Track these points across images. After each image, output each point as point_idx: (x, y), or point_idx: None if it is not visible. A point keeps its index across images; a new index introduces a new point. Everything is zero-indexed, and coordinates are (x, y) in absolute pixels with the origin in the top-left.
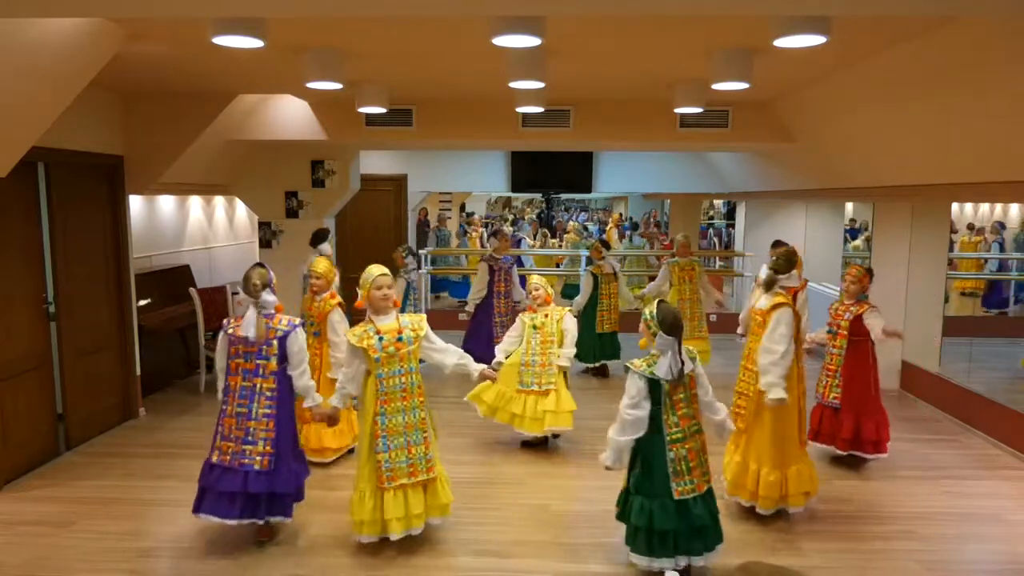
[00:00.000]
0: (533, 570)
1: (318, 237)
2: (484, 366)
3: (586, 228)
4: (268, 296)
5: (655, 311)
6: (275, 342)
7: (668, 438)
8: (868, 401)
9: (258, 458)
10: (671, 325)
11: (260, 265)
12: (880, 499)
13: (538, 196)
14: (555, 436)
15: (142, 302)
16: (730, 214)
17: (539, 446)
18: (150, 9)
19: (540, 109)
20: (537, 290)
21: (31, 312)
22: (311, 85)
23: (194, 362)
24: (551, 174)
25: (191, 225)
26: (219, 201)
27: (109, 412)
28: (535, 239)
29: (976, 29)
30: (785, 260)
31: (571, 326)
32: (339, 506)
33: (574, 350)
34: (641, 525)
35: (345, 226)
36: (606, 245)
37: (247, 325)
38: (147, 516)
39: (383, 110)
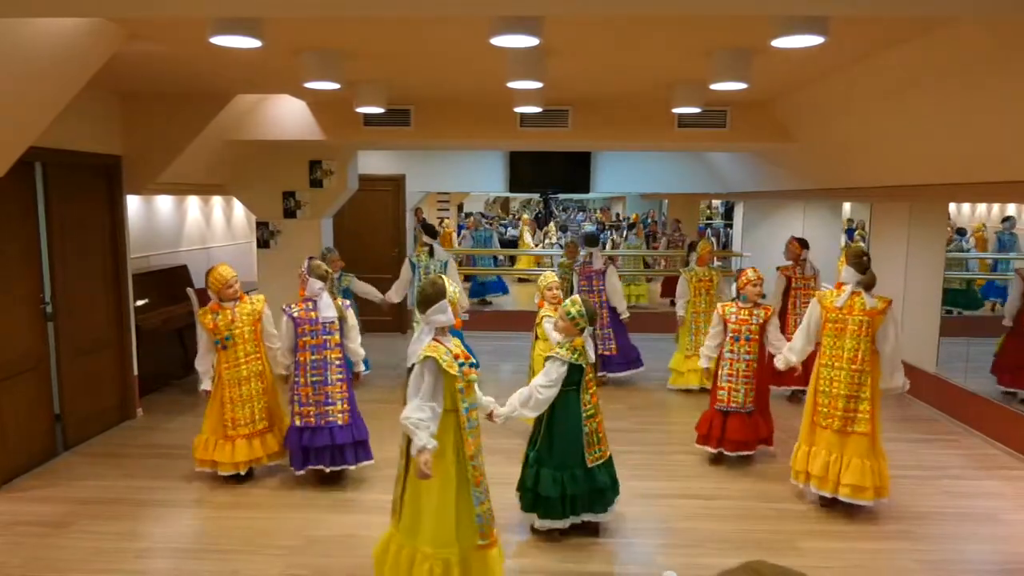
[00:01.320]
0: (531, 570)
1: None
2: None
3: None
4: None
5: (582, 310)
6: (339, 319)
7: (584, 415)
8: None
9: (340, 415)
10: (591, 318)
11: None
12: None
13: (536, 196)
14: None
15: (140, 302)
16: (728, 214)
17: None
18: (149, 9)
19: (538, 109)
20: (558, 289)
21: (28, 312)
22: (309, 85)
23: (191, 362)
24: (549, 174)
25: (189, 225)
26: (217, 201)
27: (107, 412)
28: (533, 238)
29: (973, 30)
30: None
31: (547, 327)
32: (335, 507)
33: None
34: (554, 495)
35: (343, 226)
36: (592, 240)
37: (325, 307)
38: (144, 516)
39: (381, 110)
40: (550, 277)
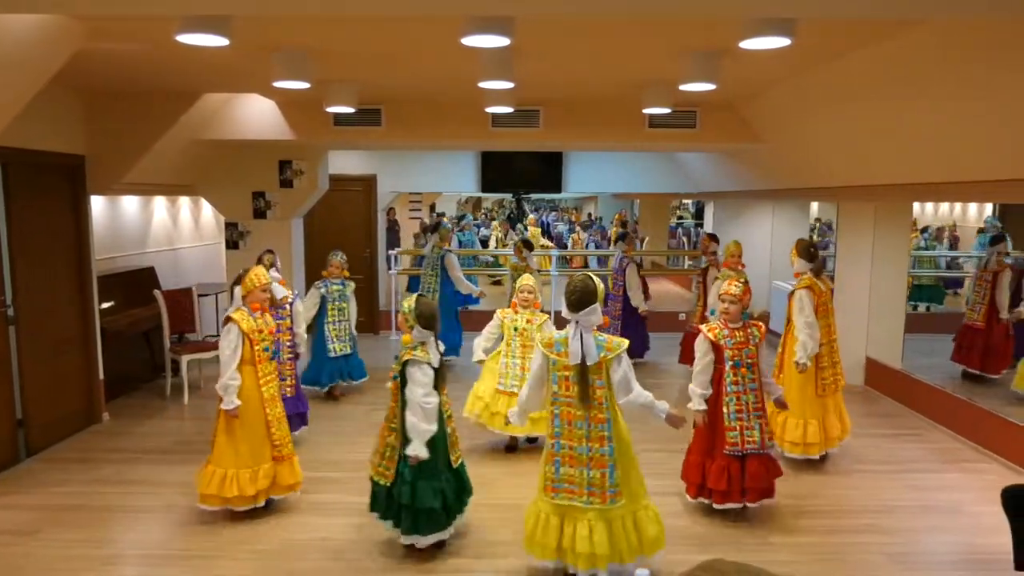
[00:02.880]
0: (506, 570)
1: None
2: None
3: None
4: None
5: (413, 306)
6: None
7: (445, 415)
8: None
9: (288, 389)
10: (428, 319)
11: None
12: (846, 493)
13: (508, 196)
14: (531, 440)
15: (105, 305)
16: (699, 214)
17: (518, 448)
18: (110, 7)
19: (510, 109)
20: (530, 293)
21: None
22: (278, 84)
23: (159, 365)
24: (521, 174)
25: (155, 226)
26: (184, 202)
27: (72, 417)
28: (506, 238)
29: (936, 33)
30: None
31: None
32: (309, 510)
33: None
34: (438, 506)
35: (314, 227)
36: (528, 245)
37: (278, 291)
38: (113, 522)
39: (351, 110)
40: (527, 279)
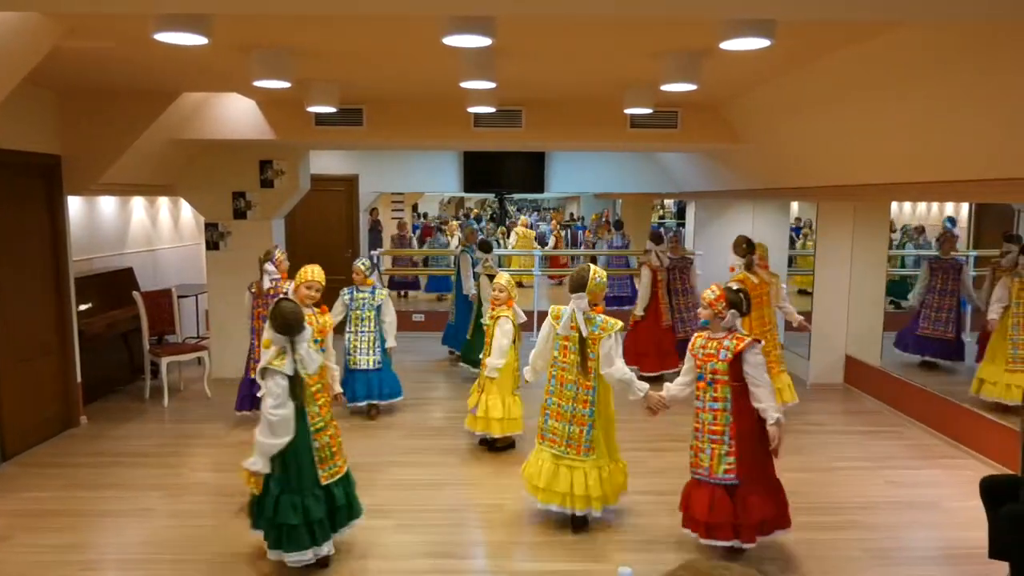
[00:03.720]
0: (492, 570)
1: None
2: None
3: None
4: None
5: (274, 311)
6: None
7: (312, 428)
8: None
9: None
10: (281, 323)
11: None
12: (826, 490)
13: (491, 196)
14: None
15: (83, 306)
16: (680, 213)
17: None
18: (83, 5)
19: (492, 109)
20: (501, 291)
21: None
22: (258, 84)
23: (138, 368)
24: (504, 174)
25: (134, 227)
26: (163, 202)
27: (48, 421)
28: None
29: (913, 35)
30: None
31: (499, 332)
32: None
33: (501, 360)
34: (298, 522)
35: (295, 227)
36: (486, 246)
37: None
38: (91, 527)
39: (333, 109)
40: (501, 277)
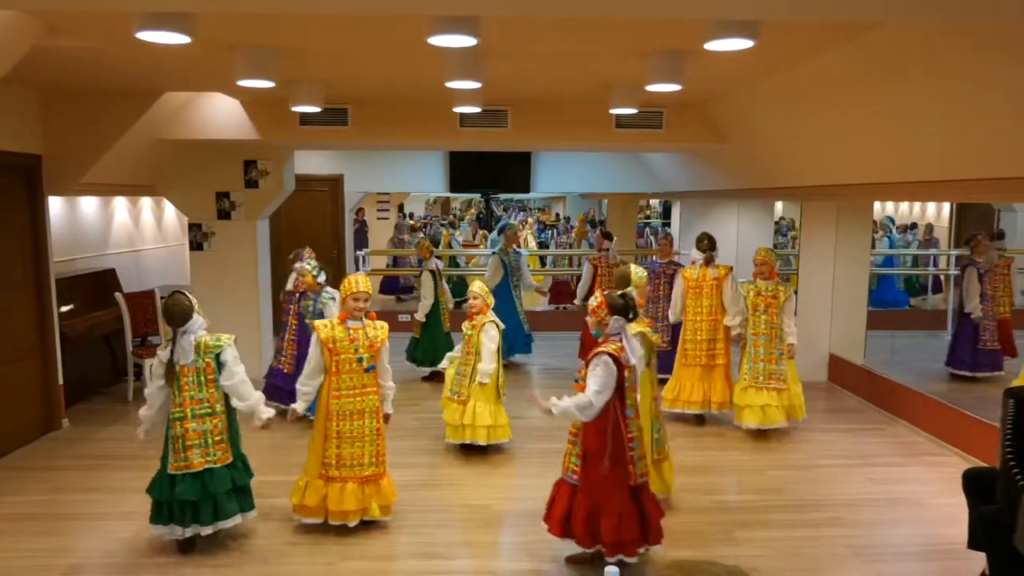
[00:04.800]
0: (478, 570)
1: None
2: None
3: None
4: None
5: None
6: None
7: (171, 416)
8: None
9: None
10: (167, 316)
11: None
12: (811, 488)
13: (477, 196)
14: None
15: (64, 308)
16: (666, 213)
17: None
18: (63, 2)
19: (477, 109)
20: (475, 299)
21: None
22: (242, 83)
23: (121, 370)
24: (490, 174)
25: (116, 227)
26: (146, 202)
27: (29, 424)
28: (475, 239)
29: (895, 36)
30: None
31: (485, 339)
32: (274, 515)
33: (492, 365)
34: (156, 498)
35: (280, 228)
36: (436, 243)
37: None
38: (74, 531)
39: (318, 109)
40: (475, 284)
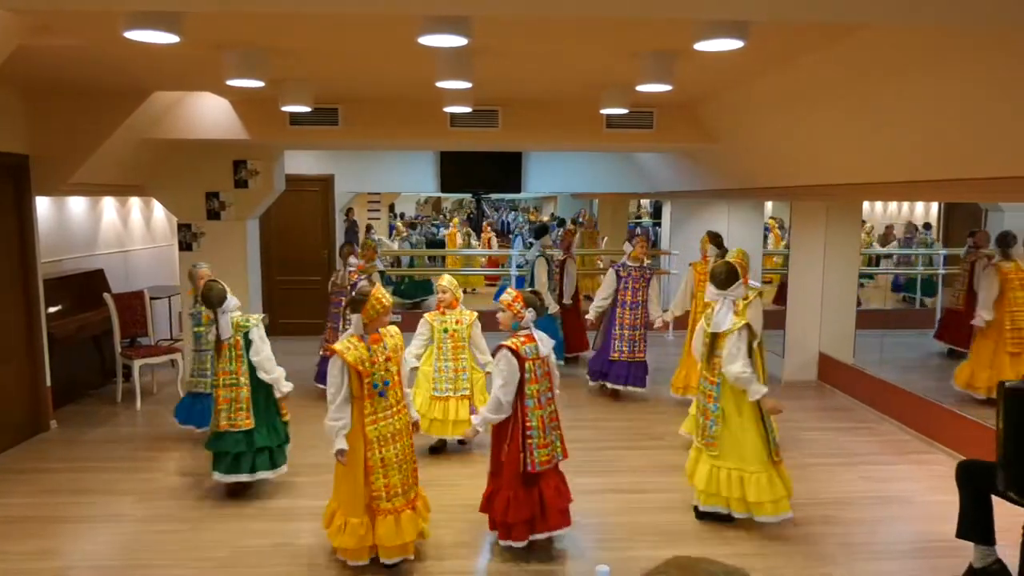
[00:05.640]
0: (468, 570)
1: None
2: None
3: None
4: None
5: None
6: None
7: (212, 383)
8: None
9: None
10: (209, 301)
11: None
12: (801, 486)
13: (468, 196)
14: (461, 442)
15: (52, 309)
16: (657, 213)
17: (441, 451)
18: (49, 2)
19: (468, 109)
20: (444, 293)
21: None
22: (231, 83)
23: (110, 371)
24: (481, 174)
25: (105, 227)
26: (135, 202)
27: (17, 427)
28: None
29: (884, 37)
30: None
31: (475, 333)
32: (265, 515)
33: (489, 357)
34: (215, 450)
35: (270, 228)
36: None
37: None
38: (62, 534)
39: (308, 109)
40: (444, 278)
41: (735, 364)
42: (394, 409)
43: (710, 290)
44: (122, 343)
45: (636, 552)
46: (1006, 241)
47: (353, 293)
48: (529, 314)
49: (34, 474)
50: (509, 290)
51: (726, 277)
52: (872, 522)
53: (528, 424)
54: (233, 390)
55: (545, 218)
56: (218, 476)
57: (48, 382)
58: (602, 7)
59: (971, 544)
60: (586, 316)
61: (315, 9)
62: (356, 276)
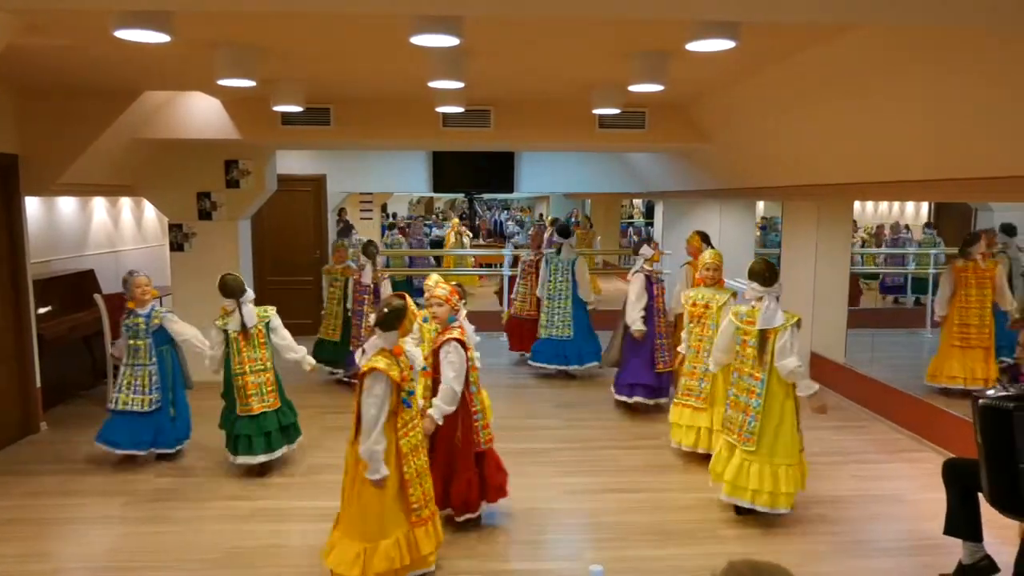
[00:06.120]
0: (463, 571)
1: None
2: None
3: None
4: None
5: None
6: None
7: (233, 372)
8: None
9: None
10: (231, 291)
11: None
12: None
13: (461, 196)
14: None
15: (42, 310)
16: (649, 212)
17: None
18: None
19: (460, 109)
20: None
21: None
22: (222, 82)
23: (101, 372)
24: (473, 174)
25: (95, 228)
26: (126, 202)
27: (6, 428)
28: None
29: (875, 37)
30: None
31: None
32: (257, 516)
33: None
34: (233, 433)
35: (262, 228)
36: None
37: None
38: (52, 536)
39: (299, 109)
40: (432, 278)
41: (791, 359)
42: (417, 419)
43: (753, 288)
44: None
45: (630, 552)
46: (967, 240)
47: (385, 309)
48: (464, 308)
49: (24, 476)
50: (442, 284)
51: (770, 274)
52: (864, 520)
53: (474, 408)
54: (262, 375)
55: (557, 219)
56: (244, 459)
57: (38, 383)
58: (593, 7)
59: (960, 541)
60: (632, 329)
61: (306, 8)
62: (381, 276)
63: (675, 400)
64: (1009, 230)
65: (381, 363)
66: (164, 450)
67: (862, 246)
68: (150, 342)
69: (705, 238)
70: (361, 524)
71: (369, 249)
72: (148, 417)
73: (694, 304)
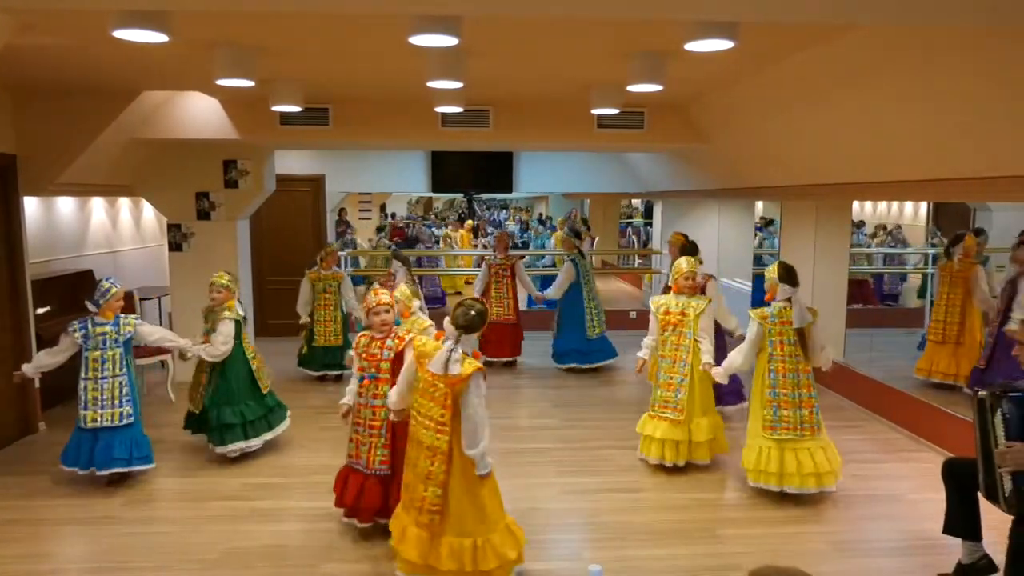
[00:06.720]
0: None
1: None
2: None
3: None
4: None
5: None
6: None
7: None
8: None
9: None
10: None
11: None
12: None
13: (459, 196)
14: None
15: (40, 310)
16: (648, 212)
17: None
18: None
19: (459, 109)
20: (397, 303)
21: None
22: (221, 82)
23: None
24: (472, 174)
25: (94, 228)
26: (124, 203)
27: (5, 428)
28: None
29: (874, 37)
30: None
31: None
32: (255, 516)
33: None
34: (236, 422)
35: (260, 228)
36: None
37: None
38: (50, 537)
39: (298, 109)
40: (402, 288)
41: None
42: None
43: (783, 289)
44: None
45: (628, 551)
46: (952, 240)
47: (472, 313)
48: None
49: (22, 476)
50: (381, 291)
51: (795, 275)
52: (862, 520)
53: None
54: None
55: (568, 219)
56: (233, 447)
57: (37, 384)
58: (592, 7)
59: (959, 540)
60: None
61: (306, 8)
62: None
63: (650, 412)
64: (978, 233)
65: (473, 366)
66: (142, 467)
67: (877, 244)
68: (121, 352)
69: (692, 246)
70: (481, 516)
71: (400, 254)
72: (122, 432)
73: (667, 312)
